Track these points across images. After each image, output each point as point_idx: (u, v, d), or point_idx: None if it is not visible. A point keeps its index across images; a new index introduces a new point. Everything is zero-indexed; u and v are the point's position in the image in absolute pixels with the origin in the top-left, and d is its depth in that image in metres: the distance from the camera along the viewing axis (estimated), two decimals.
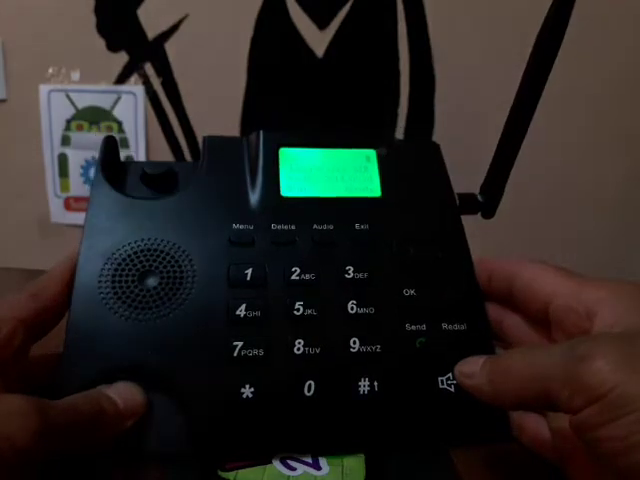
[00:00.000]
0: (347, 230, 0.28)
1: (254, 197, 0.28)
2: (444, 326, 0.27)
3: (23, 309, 0.24)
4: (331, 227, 0.28)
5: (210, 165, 0.30)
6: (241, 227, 0.27)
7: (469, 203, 0.32)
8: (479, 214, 0.33)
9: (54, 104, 0.78)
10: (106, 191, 0.28)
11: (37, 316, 0.24)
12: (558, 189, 0.70)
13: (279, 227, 0.28)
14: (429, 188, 0.31)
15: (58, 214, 0.82)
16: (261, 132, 0.30)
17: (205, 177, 0.29)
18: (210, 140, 0.31)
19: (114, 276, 0.25)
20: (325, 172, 0.30)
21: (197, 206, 0.28)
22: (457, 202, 0.32)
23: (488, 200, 0.33)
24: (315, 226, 0.28)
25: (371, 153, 0.30)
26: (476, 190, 0.34)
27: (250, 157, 0.30)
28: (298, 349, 0.25)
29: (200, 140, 0.76)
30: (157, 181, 0.29)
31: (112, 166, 0.29)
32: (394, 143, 0.32)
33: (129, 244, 0.26)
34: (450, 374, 0.26)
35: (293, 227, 0.28)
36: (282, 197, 0.29)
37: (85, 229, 0.27)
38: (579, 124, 0.67)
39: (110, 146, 0.30)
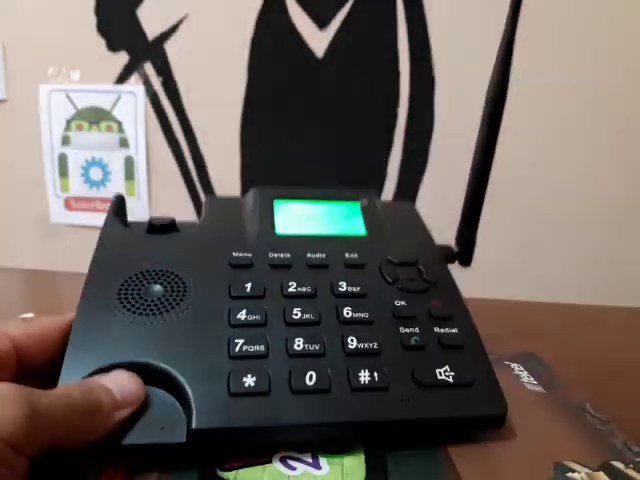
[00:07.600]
0: (338, 257, 0.31)
1: (251, 235, 0.32)
2: (436, 329, 0.28)
3: (12, 328, 0.24)
4: (323, 255, 0.31)
5: (210, 216, 0.34)
6: (240, 255, 0.30)
7: (445, 254, 0.35)
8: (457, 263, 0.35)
9: (54, 104, 0.78)
10: (117, 229, 0.31)
11: (26, 339, 0.24)
12: (557, 192, 0.70)
13: (275, 255, 0.31)
14: (409, 232, 0.35)
15: (58, 214, 0.83)
16: (255, 189, 0.35)
17: (205, 222, 0.33)
18: (211, 199, 0.36)
19: (120, 289, 0.28)
20: (315, 218, 0.34)
21: (199, 241, 0.31)
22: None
23: (462, 249, 0.35)
24: (309, 254, 0.31)
25: (356, 205, 0.35)
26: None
27: (247, 208, 0.34)
28: (298, 345, 0.26)
29: (198, 137, 0.77)
30: (161, 231, 0.32)
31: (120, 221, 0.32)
32: (375, 200, 0.36)
33: (136, 273, 0.29)
34: (447, 366, 0.27)
35: (288, 255, 0.31)
36: (277, 235, 0.32)
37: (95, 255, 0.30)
38: (576, 124, 0.67)
39: (119, 205, 0.33)
